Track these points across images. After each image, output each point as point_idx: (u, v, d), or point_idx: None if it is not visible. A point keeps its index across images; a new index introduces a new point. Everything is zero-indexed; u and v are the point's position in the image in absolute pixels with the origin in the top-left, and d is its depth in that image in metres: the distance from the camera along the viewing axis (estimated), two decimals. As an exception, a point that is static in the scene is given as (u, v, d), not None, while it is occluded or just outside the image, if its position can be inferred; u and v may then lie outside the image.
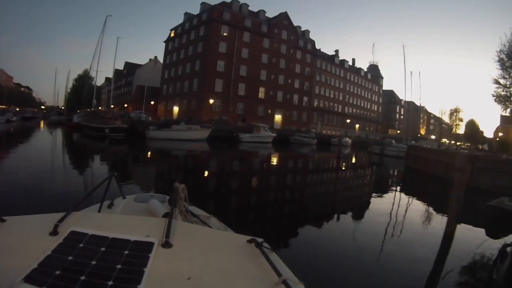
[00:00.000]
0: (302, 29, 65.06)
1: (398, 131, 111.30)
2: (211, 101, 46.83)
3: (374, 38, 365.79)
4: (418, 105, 78.26)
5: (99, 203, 2.84)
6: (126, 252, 1.53)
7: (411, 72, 58.27)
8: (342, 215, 8.92)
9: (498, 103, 24.45)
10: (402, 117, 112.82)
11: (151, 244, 1.61)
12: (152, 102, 59.25)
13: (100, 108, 43.55)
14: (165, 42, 64.52)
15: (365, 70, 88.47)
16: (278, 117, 57.49)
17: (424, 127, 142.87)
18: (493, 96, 24.29)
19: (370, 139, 72.19)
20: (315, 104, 66.76)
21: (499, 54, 22.95)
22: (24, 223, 1.82)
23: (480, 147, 57.54)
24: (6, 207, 6.18)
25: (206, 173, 15.61)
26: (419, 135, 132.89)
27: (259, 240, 1.80)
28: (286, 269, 1.64)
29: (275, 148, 37.14)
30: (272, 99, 56.31)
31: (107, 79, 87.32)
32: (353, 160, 31.62)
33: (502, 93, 23.51)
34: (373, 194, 13.30)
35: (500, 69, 23.04)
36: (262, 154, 29.45)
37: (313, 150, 42.98)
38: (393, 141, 43.00)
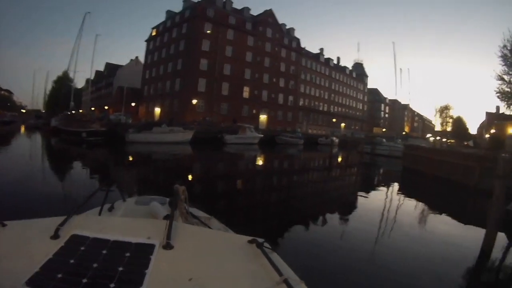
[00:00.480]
0: (287, 27, 64.19)
1: (384, 129, 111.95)
2: (194, 101, 45.18)
3: (359, 37, 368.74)
4: (407, 102, 78.30)
5: (99, 206, 2.83)
6: (128, 254, 1.55)
7: (400, 69, 57.50)
8: (350, 230, 7.66)
9: (501, 99, 23.64)
10: (387, 115, 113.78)
11: (152, 246, 1.63)
12: (133, 104, 57.38)
13: (80, 111, 41.36)
14: (146, 41, 62.57)
15: (350, 68, 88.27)
16: (263, 117, 56.33)
17: (409, 125, 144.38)
18: (496, 92, 23.48)
19: (357, 138, 72.40)
20: (301, 103, 65.90)
21: (502, 49, 22.13)
22: (25, 228, 1.84)
23: (465, 143, 57.60)
24: None
25: (189, 178, 14.33)
26: (404, 132, 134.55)
27: (260, 240, 1.80)
28: (287, 269, 1.65)
29: (261, 149, 36.03)
30: (257, 98, 55.13)
31: (88, 80, 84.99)
32: (344, 160, 30.81)
33: (506, 89, 22.76)
34: (378, 199, 12.10)
35: (504, 65, 22.28)
36: (248, 156, 28.32)
37: (300, 150, 42.05)
38: (384, 140, 42.30)
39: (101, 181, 10.60)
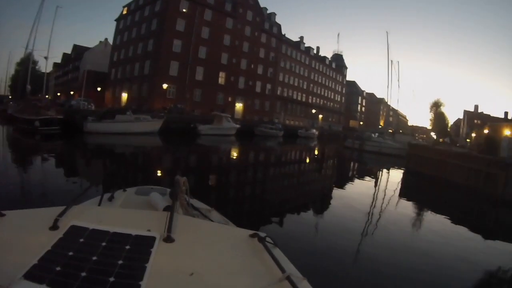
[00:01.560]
0: (268, 12, 61.12)
1: (361, 122, 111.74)
2: (165, 86, 41.10)
3: (339, 28, 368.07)
4: (397, 96, 76.39)
5: (99, 196, 2.83)
6: (128, 247, 1.53)
7: (391, 61, 54.44)
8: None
9: None
10: (363, 108, 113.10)
11: (152, 239, 1.61)
12: (99, 89, 52.98)
13: (40, 96, 36.55)
14: (116, 20, 57.46)
15: (329, 59, 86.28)
16: (239, 106, 53.31)
17: (383, 119, 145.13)
18: None
19: (336, 131, 71.13)
20: (279, 92, 63.24)
21: None
22: (24, 218, 1.83)
23: (441, 140, 56.75)
24: None
25: (158, 174, 12.53)
26: (379, 126, 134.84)
27: (262, 234, 1.80)
28: (289, 265, 1.63)
29: (238, 141, 33.46)
30: (233, 85, 51.93)
31: (56, 64, 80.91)
32: (331, 158, 28.45)
33: None
34: (391, 212, 9.73)
35: None
36: (225, 149, 25.81)
37: (280, 143, 39.77)
38: (373, 135, 40.23)
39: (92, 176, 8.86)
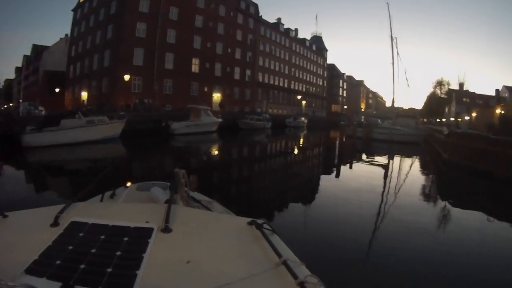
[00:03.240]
0: (243, -11, 54.91)
1: (345, 107, 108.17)
2: (127, 77, 33.67)
3: (317, 9, 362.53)
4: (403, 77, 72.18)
5: (100, 194, 2.88)
6: (126, 239, 1.57)
7: (395, 37, 48.92)
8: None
9: None
10: (344, 92, 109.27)
11: (150, 230, 1.65)
12: (57, 90, 46.52)
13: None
14: (73, 10, 49.75)
15: (309, 40, 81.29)
16: (217, 96, 47.20)
17: (364, 102, 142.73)
18: None
19: (320, 117, 67.24)
20: (259, 78, 57.62)
21: None
22: (25, 217, 1.88)
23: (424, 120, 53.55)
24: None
25: None
26: (362, 109, 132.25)
27: (260, 221, 1.81)
28: (287, 250, 1.64)
29: (221, 138, 28.43)
30: (209, 73, 45.74)
31: (17, 68, 74.72)
32: (339, 151, 23.27)
33: None
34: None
35: None
36: (205, 151, 21.01)
37: (269, 136, 35.08)
38: (379, 120, 35.85)
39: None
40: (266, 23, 60.39)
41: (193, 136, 26.33)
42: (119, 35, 36.54)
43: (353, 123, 36.03)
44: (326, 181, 12.68)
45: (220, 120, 31.59)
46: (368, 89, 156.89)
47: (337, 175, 13.99)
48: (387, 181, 13.27)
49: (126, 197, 2.92)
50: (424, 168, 18.19)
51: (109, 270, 1.32)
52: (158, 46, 38.33)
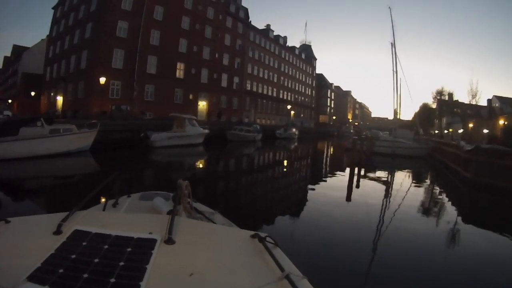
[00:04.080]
0: (233, -8, 52.55)
1: (334, 117, 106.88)
2: (102, 80, 29.19)
3: (306, 16, 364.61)
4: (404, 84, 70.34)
5: (103, 202, 2.91)
6: (129, 249, 1.57)
7: (391, 43, 46.59)
8: None
9: None
10: (332, 102, 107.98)
11: (153, 241, 1.65)
12: (33, 93, 43.45)
13: None
14: (53, 8, 46.27)
15: (298, 48, 79.54)
16: (202, 104, 44.33)
17: (351, 112, 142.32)
18: None
19: (309, 128, 65.26)
20: (248, 86, 55.07)
21: None
22: (28, 224, 1.90)
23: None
24: None
25: None
26: (350, 120, 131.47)
27: (263, 235, 1.82)
28: (290, 264, 1.65)
29: (208, 152, 25.73)
30: (195, 79, 42.73)
31: None
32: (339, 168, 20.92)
33: None
34: None
35: None
36: (191, 168, 17.89)
37: (259, 148, 32.55)
38: (381, 133, 33.97)
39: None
40: (255, 28, 58.13)
41: (176, 149, 23.47)
42: (98, 34, 33.32)
43: (355, 135, 34.34)
44: (337, 207, 10.26)
45: (206, 131, 28.75)
46: (355, 99, 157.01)
47: (348, 199, 11.71)
48: (407, 206, 11.23)
49: (128, 206, 2.98)
50: (445, 190, 15.95)
51: (112, 280, 1.33)
52: (141, 47, 35.28)
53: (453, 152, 20.91)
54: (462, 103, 55.90)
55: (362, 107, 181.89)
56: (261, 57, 59.49)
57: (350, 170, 14.98)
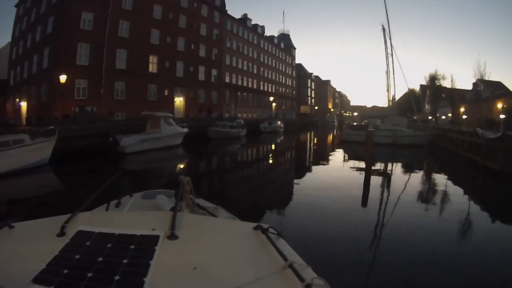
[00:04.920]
0: (206, -21, 49.05)
1: (316, 107, 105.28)
2: (63, 78, 25.37)
3: (284, 5, 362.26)
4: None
5: (106, 203, 2.97)
6: (132, 246, 1.60)
7: (382, 27, 44.45)
8: None
9: None
10: (313, 92, 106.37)
11: (156, 237, 1.69)
12: None
13: None
14: (16, 5, 41.88)
15: (277, 37, 77.15)
16: (179, 100, 41.37)
17: (331, 102, 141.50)
18: None
19: (291, 119, 63.16)
20: (227, 79, 52.24)
21: None
22: (32, 228, 1.92)
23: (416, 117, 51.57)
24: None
25: None
26: (331, 109, 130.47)
27: (265, 226, 1.85)
28: (293, 253, 1.69)
29: (189, 153, 23.56)
30: (170, 73, 39.61)
31: None
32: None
33: None
34: None
35: None
36: (172, 177, 14.75)
37: (244, 145, 30.44)
38: (379, 121, 32.30)
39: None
40: (232, 17, 54.93)
41: (151, 154, 20.79)
42: (60, 28, 29.89)
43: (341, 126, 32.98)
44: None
45: (185, 130, 26.05)
46: (334, 88, 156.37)
47: (364, 203, 10.29)
48: (435, 206, 10.24)
49: (131, 205, 3.04)
50: (468, 182, 14.45)
51: (116, 277, 1.34)
52: (108, 41, 32.03)
53: (468, 140, 19.46)
54: (446, 88, 55.01)
55: (341, 96, 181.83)
56: (240, 47, 56.64)
57: (366, 166, 14.05)
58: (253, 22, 63.93)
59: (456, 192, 12.66)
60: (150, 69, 37.31)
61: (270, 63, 69.55)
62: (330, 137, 45.16)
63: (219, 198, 11.47)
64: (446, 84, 54.04)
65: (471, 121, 39.62)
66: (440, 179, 15.39)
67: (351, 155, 23.32)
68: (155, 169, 17.91)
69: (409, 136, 26.44)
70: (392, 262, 5.86)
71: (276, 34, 79.30)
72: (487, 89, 55.96)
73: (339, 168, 18.04)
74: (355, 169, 17.48)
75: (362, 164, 18.75)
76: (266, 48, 67.56)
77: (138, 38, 34.98)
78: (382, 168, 17.96)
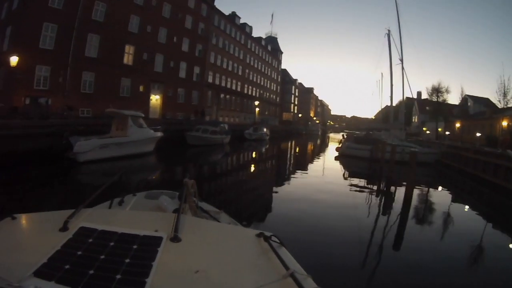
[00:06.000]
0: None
1: (300, 115, 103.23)
2: (14, 60, 20.28)
3: (273, 7, 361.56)
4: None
5: (109, 200, 2.98)
6: (135, 246, 1.60)
7: (388, 32, 41.34)
8: None
9: None
10: (296, 99, 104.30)
11: (159, 239, 1.69)
12: None
13: None
14: None
15: (264, 39, 74.26)
16: (155, 99, 37.31)
17: (313, 110, 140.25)
18: None
19: (274, 126, 60.26)
20: (210, 79, 48.56)
21: None
22: (34, 220, 1.93)
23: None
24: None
25: None
26: (314, 118, 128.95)
27: (268, 234, 1.84)
28: (294, 263, 1.68)
29: (162, 164, 19.94)
30: (147, 67, 35.48)
31: None
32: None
33: None
34: None
35: None
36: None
37: (227, 154, 27.22)
38: (382, 135, 29.42)
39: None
40: (221, 13, 51.35)
41: (113, 164, 16.46)
42: (26, 3, 25.49)
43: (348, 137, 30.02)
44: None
45: (159, 134, 22.10)
46: (317, 96, 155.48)
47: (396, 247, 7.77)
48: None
49: (134, 204, 3.07)
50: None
51: (118, 276, 1.34)
52: (79, 23, 27.78)
53: (493, 162, 17.16)
54: (434, 102, 53.68)
55: (322, 104, 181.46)
56: (226, 45, 53.05)
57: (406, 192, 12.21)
58: (241, 21, 60.58)
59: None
60: (125, 61, 33.16)
61: (256, 66, 66.37)
62: (323, 149, 42.79)
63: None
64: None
65: (468, 138, 38.07)
66: (468, 211, 12.40)
67: (351, 172, 20.97)
68: (112, 186, 14.06)
69: (421, 153, 23.46)
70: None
71: (263, 36, 76.47)
72: (476, 105, 55.12)
73: (342, 192, 14.65)
74: (356, 189, 15.12)
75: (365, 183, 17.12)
76: (253, 49, 64.34)
77: (115, 24, 30.86)
78: (393, 190, 15.58)
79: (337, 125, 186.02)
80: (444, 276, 5.98)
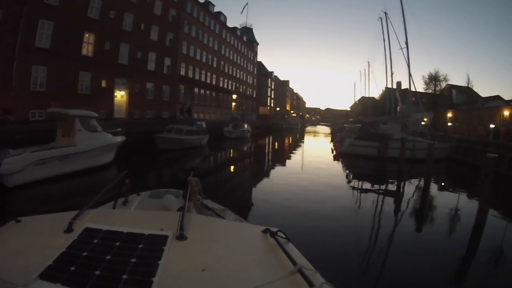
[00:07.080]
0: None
1: (278, 108, 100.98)
2: None
3: None
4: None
5: (113, 200, 3.02)
6: (141, 246, 1.60)
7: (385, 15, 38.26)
8: None
9: None
10: (273, 93, 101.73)
11: (165, 237, 1.69)
12: None
13: None
14: None
15: (240, 29, 70.84)
16: (121, 95, 33.23)
17: (289, 103, 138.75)
18: None
19: (252, 121, 57.36)
20: (182, 71, 44.77)
21: None
22: (38, 223, 1.91)
23: None
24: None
25: None
26: (292, 112, 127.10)
27: (274, 229, 1.84)
28: (302, 258, 1.67)
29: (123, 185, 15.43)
30: (110, 58, 31.20)
31: None
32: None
33: None
34: None
35: None
36: None
37: (206, 157, 24.38)
38: (389, 129, 26.88)
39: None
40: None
41: (56, 186, 12.35)
42: None
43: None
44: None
45: (119, 139, 17.84)
46: (292, 89, 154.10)
47: None
48: None
49: (139, 204, 3.14)
50: None
51: (124, 276, 1.35)
52: (29, 6, 23.42)
53: None
54: (416, 92, 52.15)
55: (298, 97, 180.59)
56: (199, 34, 49.31)
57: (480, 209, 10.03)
58: (216, 9, 56.84)
59: None
60: (84, 52, 28.85)
61: (231, 57, 63.07)
62: (316, 147, 40.94)
63: None
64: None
65: (462, 129, 37.17)
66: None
67: (355, 173, 19.26)
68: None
69: (427, 149, 20.60)
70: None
71: (238, 27, 73.04)
72: (458, 95, 54.01)
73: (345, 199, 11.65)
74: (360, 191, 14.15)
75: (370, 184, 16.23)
76: (228, 39, 60.92)
77: (72, 8, 26.44)
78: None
79: (313, 118, 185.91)
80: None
